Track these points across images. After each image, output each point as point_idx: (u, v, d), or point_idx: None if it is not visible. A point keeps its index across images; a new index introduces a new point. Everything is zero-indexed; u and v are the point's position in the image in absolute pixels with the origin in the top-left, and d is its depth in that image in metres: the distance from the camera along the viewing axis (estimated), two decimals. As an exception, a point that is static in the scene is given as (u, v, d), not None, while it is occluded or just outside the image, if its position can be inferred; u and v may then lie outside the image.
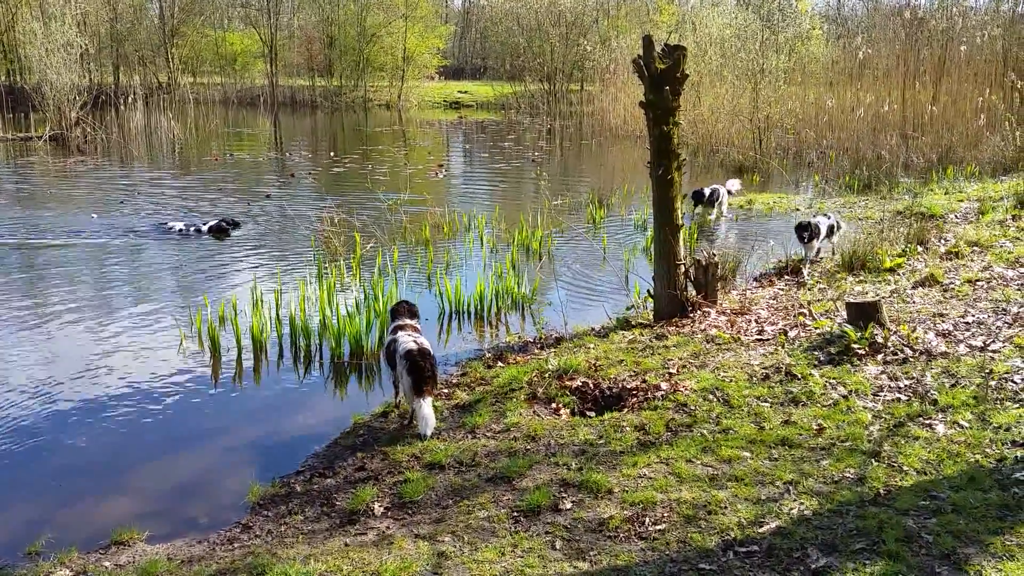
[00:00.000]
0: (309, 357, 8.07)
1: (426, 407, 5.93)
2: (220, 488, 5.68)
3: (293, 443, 6.27)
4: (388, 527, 4.68)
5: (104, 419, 6.70)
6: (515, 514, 4.65)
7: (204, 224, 13.27)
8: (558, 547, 4.26)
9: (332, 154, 24.89)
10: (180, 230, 13.17)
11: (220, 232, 13.08)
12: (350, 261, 10.73)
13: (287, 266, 11.16)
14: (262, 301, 8.42)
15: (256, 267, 11.18)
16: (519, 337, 8.43)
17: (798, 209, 14.97)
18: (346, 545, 4.48)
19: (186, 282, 10.56)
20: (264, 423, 6.81)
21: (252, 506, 5.32)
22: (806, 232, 10.13)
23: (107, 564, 4.63)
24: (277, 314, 8.54)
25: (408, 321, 6.58)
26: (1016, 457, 4.82)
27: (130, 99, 29.55)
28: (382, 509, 4.92)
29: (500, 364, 7.44)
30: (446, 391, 6.93)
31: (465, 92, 52.18)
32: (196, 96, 40.68)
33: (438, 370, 6.30)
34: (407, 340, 6.12)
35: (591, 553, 4.19)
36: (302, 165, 22.85)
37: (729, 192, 14.75)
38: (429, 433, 5.90)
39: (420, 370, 5.89)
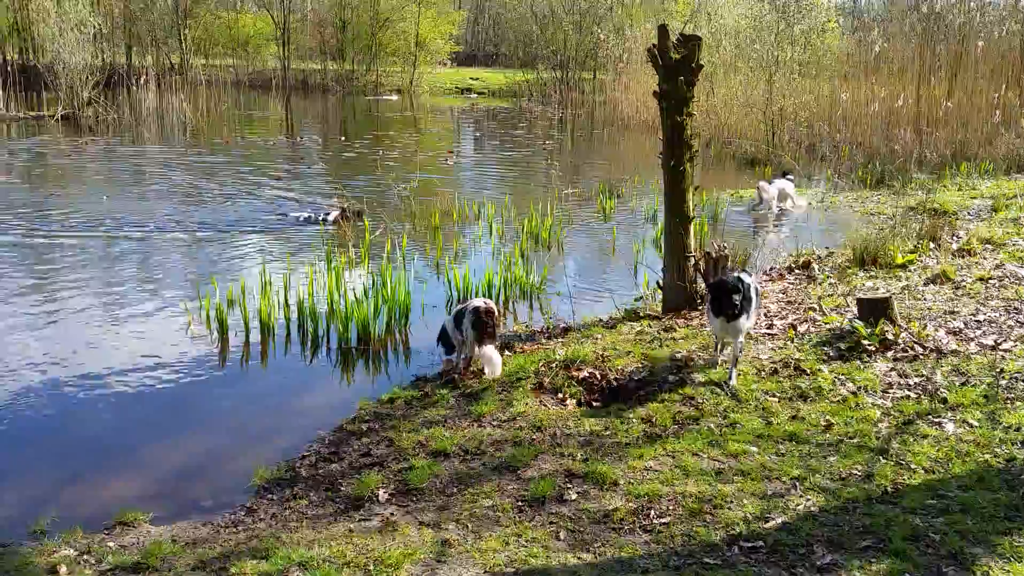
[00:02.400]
0: (316, 342, 8.06)
1: (490, 351, 6.65)
2: (225, 471, 5.69)
3: (299, 427, 6.27)
4: (392, 514, 4.67)
5: (110, 400, 6.71)
6: (520, 503, 4.64)
7: (327, 213, 12.88)
8: (562, 537, 4.25)
9: (343, 138, 24.86)
10: (306, 218, 12.83)
11: (345, 220, 12.66)
12: (359, 246, 10.71)
13: (296, 250, 11.16)
14: (270, 284, 8.42)
15: (265, 250, 11.17)
16: (527, 326, 8.41)
17: (810, 203, 14.88)
18: (350, 531, 4.47)
19: (195, 264, 10.57)
20: (270, 406, 6.81)
21: (257, 489, 5.32)
22: (737, 295, 6.09)
23: (111, 544, 4.64)
24: (285, 298, 8.53)
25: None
26: (1026, 458, 4.78)
27: (142, 80, 29.53)
28: (387, 496, 4.91)
29: (507, 353, 7.41)
30: (454, 377, 6.92)
31: (477, 79, 51.97)
32: (208, 78, 40.69)
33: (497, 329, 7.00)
34: (477, 299, 6.95)
35: (595, 544, 4.18)
36: (313, 149, 22.83)
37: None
38: (497, 373, 6.61)
39: (483, 325, 6.68)
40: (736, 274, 6.56)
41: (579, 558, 4.06)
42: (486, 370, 6.71)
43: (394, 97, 43.36)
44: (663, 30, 7.95)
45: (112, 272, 10.16)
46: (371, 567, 4.03)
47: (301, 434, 6.12)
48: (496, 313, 6.90)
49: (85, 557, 4.47)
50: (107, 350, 7.65)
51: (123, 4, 43.32)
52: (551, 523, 4.41)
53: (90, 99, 26.06)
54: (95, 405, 6.61)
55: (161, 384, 7.03)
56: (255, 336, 8.04)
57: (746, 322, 6.29)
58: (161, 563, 4.32)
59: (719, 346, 6.70)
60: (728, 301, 6.08)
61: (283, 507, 5.00)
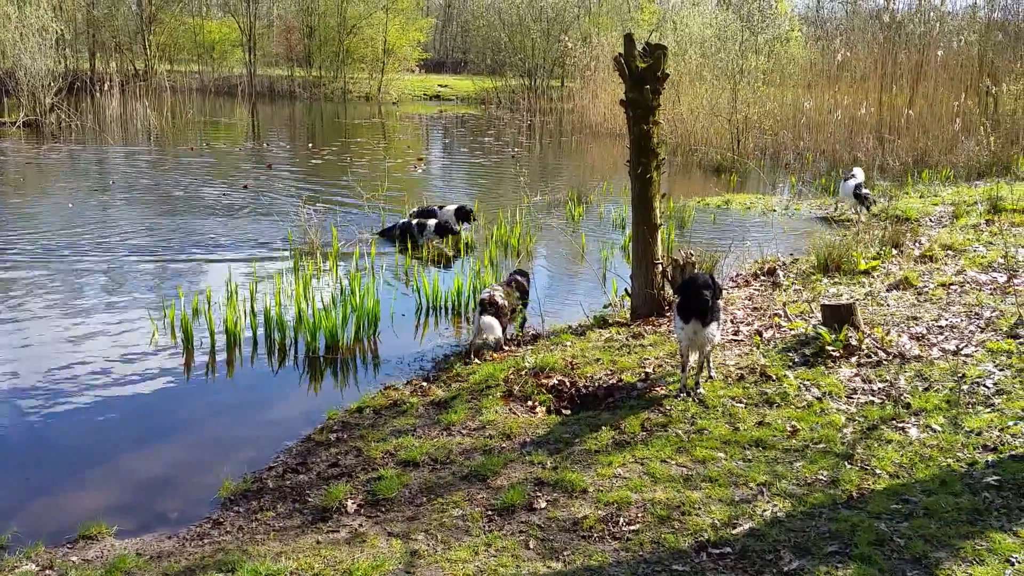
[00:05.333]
0: (284, 351, 8.00)
1: (487, 319, 7.58)
2: (191, 483, 5.61)
3: (266, 438, 6.20)
4: (361, 525, 4.64)
5: (73, 412, 6.60)
6: (489, 513, 4.63)
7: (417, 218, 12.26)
8: (532, 546, 4.25)
9: (310, 145, 24.71)
10: (415, 224, 12.11)
11: (458, 225, 12.14)
12: (327, 255, 10.64)
13: (263, 259, 11.05)
14: (236, 294, 8.33)
15: (231, 259, 11.05)
16: (496, 334, 8.40)
17: (774, 210, 15.05)
18: (318, 543, 4.44)
19: (160, 274, 10.43)
20: (236, 417, 6.74)
21: (223, 501, 5.26)
22: (708, 291, 5.88)
23: (74, 559, 4.56)
24: (252, 307, 8.45)
25: (517, 278, 8.57)
26: (987, 462, 4.86)
27: (106, 86, 29.17)
28: (355, 506, 4.88)
29: (476, 361, 7.42)
30: (423, 386, 6.91)
31: (445, 86, 52.01)
32: (173, 84, 40.24)
33: (503, 317, 7.84)
34: (485, 291, 7.97)
35: (565, 553, 4.18)
36: (280, 156, 22.66)
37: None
38: (487, 337, 7.54)
39: (484, 308, 7.72)
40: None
41: (548, 567, 4.06)
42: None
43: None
44: (629, 39, 8.01)
45: (75, 282, 9.99)
46: (339, 579, 3.99)
47: (268, 445, 6.06)
48: (497, 302, 7.77)
49: (47, 572, 4.40)
50: (69, 362, 7.52)
51: (86, 10, 42.77)
52: (521, 532, 4.40)
53: (53, 105, 25.66)
54: (57, 418, 6.50)
55: (125, 396, 6.92)
56: (221, 346, 7.95)
57: (716, 330, 6.11)
58: (125, 578, 4.26)
59: (687, 363, 6.20)
60: (700, 299, 5.82)
61: (250, 519, 4.95)
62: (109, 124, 26.75)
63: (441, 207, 12.55)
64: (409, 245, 11.81)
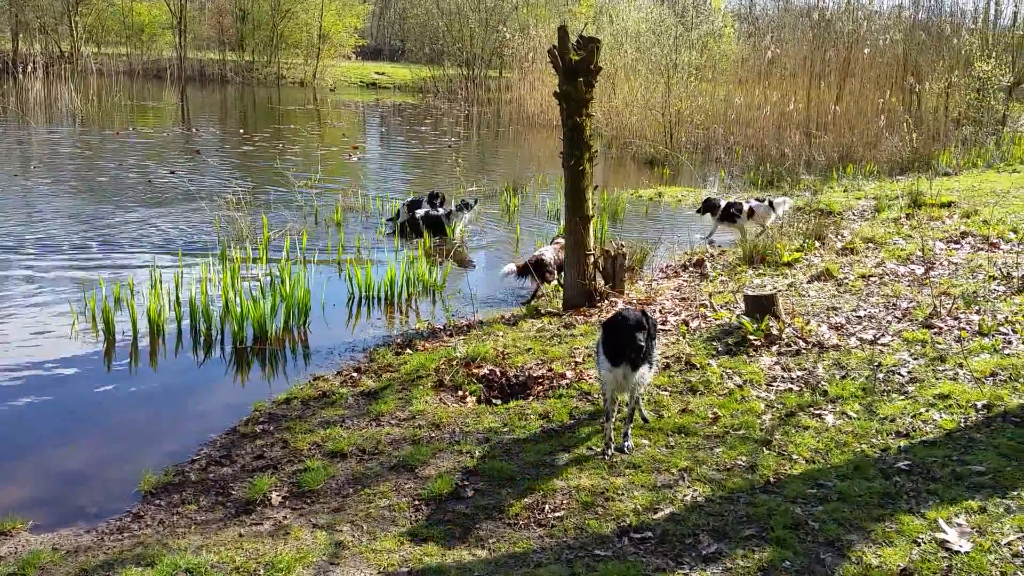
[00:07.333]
0: (210, 342, 7.84)
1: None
2: (111, 476, 5.48)
3: (189, 430, 6.09)
4: (285, 517, 4.60)
5: (-12, 404, 6.39)
6: (416, 503, 4.64)
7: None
8: (458, 535, 4.27)
9: (242, 131, 24.25)
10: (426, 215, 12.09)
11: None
12: (257, 244, 10.47)
13: (189, 247, 10.81)
14: (161, 283, 8.15)
15: (155, 248, 10.79)
16: (428, 324, 8.38)
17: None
18: (240, 535, 4.38)
19: (80, 261, 10.12)
20: (159, 409, 6.59)
21: (144, 495, 5.15)
22: (641, 334, 4.89)
23: (-14, 555, 4.43)
24: (177, 297, 8.27)
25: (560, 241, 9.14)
26: (899, 447, 5.03)
27: (30, 68, 28.17)
28: (280, 498, 4.83)
29: (408, 351, 7.40)
30: (354, 376, 6.86)
31: (383, 74, 51.58)
32: (100, 67, 39.09)
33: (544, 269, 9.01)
34: (536, 251, 9.27)
35: (490, 541, 4.21)
36: (209, 142, 22.20)
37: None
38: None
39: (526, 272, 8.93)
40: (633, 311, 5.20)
41: (474, 555, 4.09)
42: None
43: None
44: (563, 32, 8.05)
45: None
46: (261, 572, 3.95)
47: (192, 437, 5.95)
48: (545, 260, 8.99)
49: (-44, 570, 4.26)
50: (-16, 352, 7.29)
51: (8, -12, 41.21)
52: (447, 521, 4.42)
53: (-30, 87, 24.72)
54: (-30, 410, 6.29)
55: (43, 387, 6.72)
56: (144, 336, 7.77)
57: (648, 371, 5.19)
58: (40, 573, 4.15)
59: (612, 410, 5.19)
60: (633, 343, 4.87)
61: (171, 512, 4.86)
62: (32, 107, 25.86)
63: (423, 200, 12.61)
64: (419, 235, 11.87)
